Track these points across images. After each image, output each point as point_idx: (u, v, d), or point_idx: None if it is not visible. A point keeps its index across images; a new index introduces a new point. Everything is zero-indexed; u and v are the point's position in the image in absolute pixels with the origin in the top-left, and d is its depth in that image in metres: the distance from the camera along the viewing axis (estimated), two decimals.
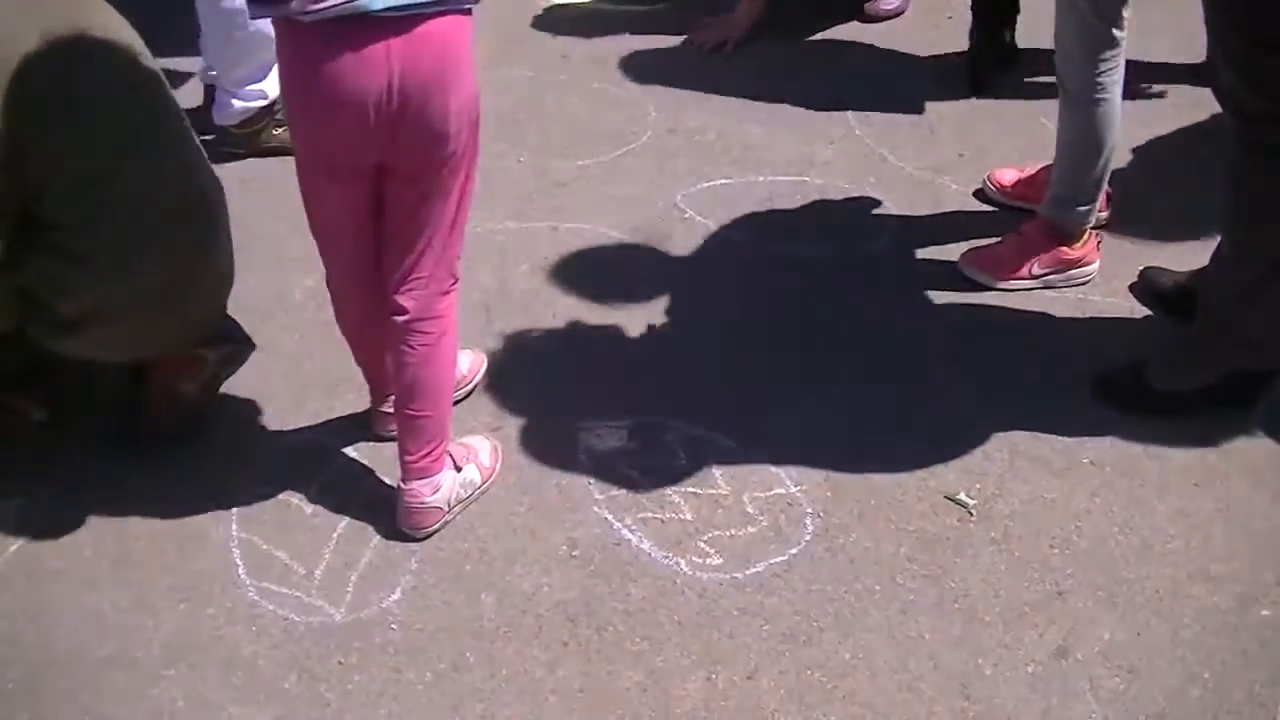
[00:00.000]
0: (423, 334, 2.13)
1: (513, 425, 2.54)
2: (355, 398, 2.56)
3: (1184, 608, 2.16)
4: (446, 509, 2.30)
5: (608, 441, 2.49)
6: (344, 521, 2.34)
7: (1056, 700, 2.02)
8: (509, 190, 3.21)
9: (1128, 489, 2.37)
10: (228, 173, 3.22)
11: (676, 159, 3.34)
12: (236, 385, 2.58)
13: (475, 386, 2.60)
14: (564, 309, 2.84)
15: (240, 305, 2.74)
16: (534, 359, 2.71)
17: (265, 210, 3.09)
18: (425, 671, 2.09)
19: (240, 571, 2.26)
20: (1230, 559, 2.24)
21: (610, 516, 2.34)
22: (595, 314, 2.83)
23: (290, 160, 2.13)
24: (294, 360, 2.70)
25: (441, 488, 2.26)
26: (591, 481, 2.41)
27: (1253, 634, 2.11)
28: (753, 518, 2.33)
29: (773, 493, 2.38)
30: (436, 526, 2.30)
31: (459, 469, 2.30)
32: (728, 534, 2.30)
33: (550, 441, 2.50)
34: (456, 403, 2.48)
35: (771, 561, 2.25)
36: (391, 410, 2.32)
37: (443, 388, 2.20)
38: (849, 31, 3.94)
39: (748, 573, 2.24)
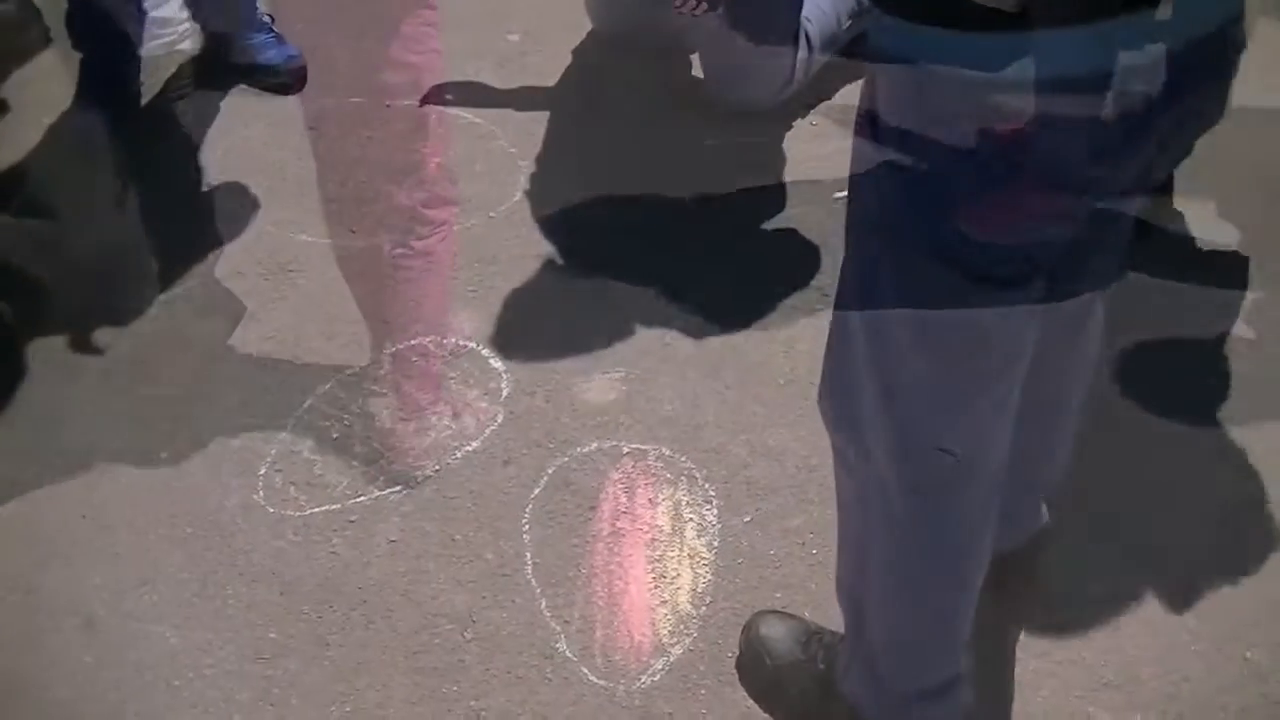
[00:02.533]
0: (401, 268, 2.15)
1: (506, 380, 2.54)
2: (347, 357, 2.56)
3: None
4: (440, 452, 2.31)
5: (602, 393, 2.49)
6: (337, 472, 2.34)
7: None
8: (489, 158, 3.21)
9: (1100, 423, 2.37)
10: (230, 144, 3.23)
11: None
12: (230, 345, 2.60)
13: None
14: (554, 269, 2.83)
15: (233, 268, 2.75)
16: (525, 317, 2.69)
17: (250, 173, 3.08)
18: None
19: (236, 522, 2.26)
20: None
21: (606, 465, 2.35)
22: (584, 273, 2.83)
23: (273, 126, 2.13)
24: (286, 321, 2.69)
25: (434, 430, 2.28)
26: (585, 430, 2.41)
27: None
28: (749, 463, 2.34)
29: (768, 439, 2.39)
30: (430, 470, 2.31)
31: (456, 416, 2.32)
32: (722, 475, 2.32)
33: (544, 393, 2.49)
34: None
35: (760, 507, 2.26)
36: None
37: (426, 320, 2.20)
38: None
39: (745, 520, 2.25)
